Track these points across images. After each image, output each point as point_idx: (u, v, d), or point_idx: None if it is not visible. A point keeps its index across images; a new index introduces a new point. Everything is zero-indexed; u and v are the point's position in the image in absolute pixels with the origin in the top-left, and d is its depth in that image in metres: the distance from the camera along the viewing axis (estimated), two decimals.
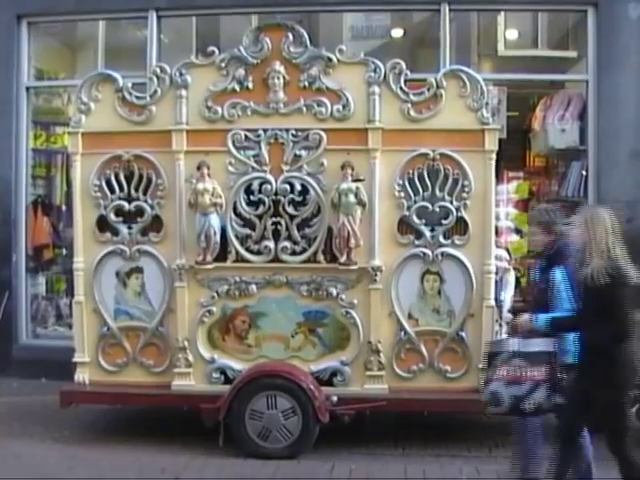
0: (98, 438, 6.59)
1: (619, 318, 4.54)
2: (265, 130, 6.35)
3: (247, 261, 6.39)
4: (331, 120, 6.32)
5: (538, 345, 4.86)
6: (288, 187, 6.31)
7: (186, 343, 6.41)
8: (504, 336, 5.06)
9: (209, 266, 6.31)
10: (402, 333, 6.34)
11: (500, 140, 6.42)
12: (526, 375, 4.84)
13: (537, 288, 5.14)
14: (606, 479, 4.90)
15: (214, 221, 6.23)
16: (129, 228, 6.50)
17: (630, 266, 4.62)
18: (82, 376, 6.54)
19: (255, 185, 6.35)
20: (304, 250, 6.35)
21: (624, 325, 4.57)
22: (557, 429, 4.88)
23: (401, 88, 6.30)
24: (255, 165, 6.35)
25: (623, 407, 4.64)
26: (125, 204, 6.49)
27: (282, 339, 6.40)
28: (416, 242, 6.32)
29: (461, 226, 6.31)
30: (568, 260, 4.86)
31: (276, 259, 6.35)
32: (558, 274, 4.91)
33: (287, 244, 6.34)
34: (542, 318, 4.85)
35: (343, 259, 6.21)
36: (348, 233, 6.13)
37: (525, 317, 5.04)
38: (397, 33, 9.59)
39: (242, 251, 6.38)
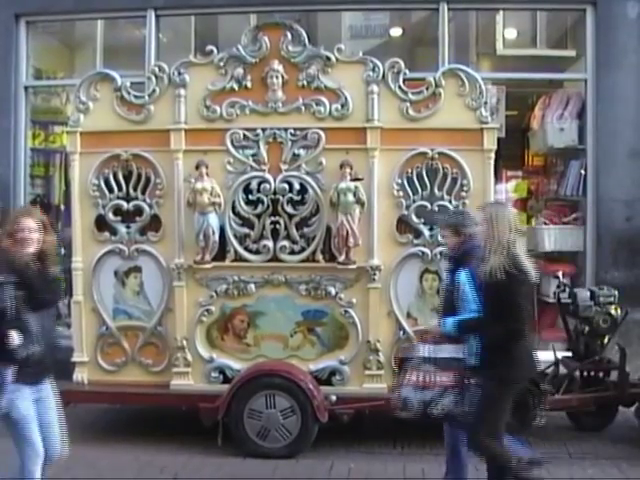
0: (97, 437, 6.58)
1: (515, 315, 4.57)
2: (264, 129, 6.34)
3: (246, 260, 6.38)
4: (330, 119, 6.32)
5: (448, 351, 4.90)
6: (287, 186, 6.31)
7: (185, 342, 6.41)
8: (415, 342, 5.11)
9: (208, 265, 6.31)
10: (401, 332, 6.33)
11: (499, 139, 6.42)
12: (435, 381, 4.90)
13: (445, 291, 5.12)
14: (606, 478, 4.95)
15: (213, 220, 6.22)
16: (128, 227, 6.50)
17: (530, 264, 4.65)
18: (81, 376, 6.54)
19: (254, 184, 6.34)
20: (303, 249, 6.35)
21: (520, 322, 4.60)
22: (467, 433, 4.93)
23: (400, 87, 6.30)
24: (254, 164, 6.35)
25: (503, 401, 4.67)
26: (124, 203, 6.49)
27: (281, 338, 6.40)
28: (415, 241, 6.32)
29: None
30: (473, 261, 4.84)
31: (275, 258, 6.35)
32: (463, 276, 4.87)
33: (286, 243, 6.34)
34: (449, 322, 4.86)
35: (342, 258, 6.21)
36: (347, 232, 6.13)
37: (433, 322, 5.11)
38: (396, 32, 9.58)
39: (241, 250, 6.38)
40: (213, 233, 6.23)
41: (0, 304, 4.23)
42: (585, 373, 6.82)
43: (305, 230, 6.34)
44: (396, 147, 6.24)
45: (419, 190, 6.30)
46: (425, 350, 4.97)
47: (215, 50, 6.46)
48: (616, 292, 6.77)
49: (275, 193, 6.32)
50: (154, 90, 6.46)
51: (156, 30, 8.85)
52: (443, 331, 4.91)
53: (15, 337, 4.27)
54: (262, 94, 6.36)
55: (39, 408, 4.55)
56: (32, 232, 4.51)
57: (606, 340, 6.80)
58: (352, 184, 6.13)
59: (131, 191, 6.50)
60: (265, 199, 6.32)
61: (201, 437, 6.28)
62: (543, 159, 9.86)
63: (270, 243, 6.34)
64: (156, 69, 6.53)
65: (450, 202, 6.25)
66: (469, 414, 4.75)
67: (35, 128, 9.48)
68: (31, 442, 4.47)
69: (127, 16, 9.21)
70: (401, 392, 4.95)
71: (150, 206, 6.45)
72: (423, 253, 6.29)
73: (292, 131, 6.32)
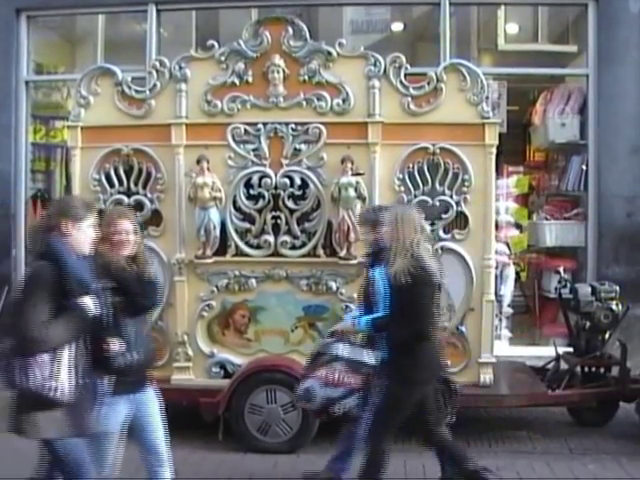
0: None
1: (419, 316, 4.60)
2: (265, 124, 6.33)
3: (247, 255, 6.38)
4: (331, 114, 6.31)
5: (361, 355, 4.91)
6: (288, 181, 6.30)
7: (185, 337, 6.41)
8: (332, 339, 5.14)
9: (209, 260, 6.30)
10: None
11: (500, 134, 6.40)
12: (343, 380, 4.91)
13: (362, 286, 5.10)
14: (606, 474, 4.95)
15: (214, 215, 6.22)
16: None
17: (434, 265, 4.66)
18: None
19: (255, 179, 6.34)
20: (304, 244, 6.35)
21: (424, 323, 4.63)
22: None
23: (401, 82, 6.29)
24: (255, 159, 6.34)
25: (404, 402, 4.72)
26: (125, 198, 6.48)
27: (282, 333, 6.39)
28: None
29: (461, 220, 6.30)
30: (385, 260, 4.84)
31: (276, 253, 6.35)
32: (377, 272, 4.85)
33: (287, 238, 6.34)
34: (364, 320, 4.86)
35: (343, 253, 6.21)
36: (348, 227, 6.13)
37: (348, 321, 5.13)
38: (397, 27, 9.58)
39: (242, 245, 6.37)
40: (214, 228, 6.22)
41: (97, 311, 3.94)
42: (586, 368, 6.82)
43: (306, 225, 6.34)
44: (397, 142, 6.23)
45: (420, 185, 6.29)
46: (340, 349, 4.99)
47: (216, 45, 6.44)
48: (617, 288, 6.77)
49: (276, 188, 6.32)
50: (155, 85, 6.44)
51: (157, 25, 8.85)
52: (358, 329, 4.92)
53: (115, 345, 4.11)
54: (263, 89, 6.35)
55: (140, 416, 4.42)
56: (129, 234, 4.35)
57: (607, 336, 6.80)
58: (353, 179, 6.12)
59: (132, 186, 6.49)
60: (266, 194, 6.32)
61: (202, 432, 6.28)
62: (544, 154, 9.87)
63: (271, 238, 6.34)
64: (157, 64, 6.52)
65: (451, 197, 6.24)
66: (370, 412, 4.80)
67: (36, 123, 9.49)
68: (100, 460, 4.26)
69: (128, 11, 9.22)
70: (306, 383, 4.98)
71: (151, 201, 6.44)
72: None
73: (293, 126, 6.31)
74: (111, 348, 4.09)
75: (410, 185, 6.28)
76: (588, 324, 6.78)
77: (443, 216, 6.29)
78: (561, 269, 7.48)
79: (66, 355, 3.83)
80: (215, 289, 6.40)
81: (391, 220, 4.71)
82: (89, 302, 3.87)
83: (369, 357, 4.88)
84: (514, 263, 9.02)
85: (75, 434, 3.92)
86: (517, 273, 9.16)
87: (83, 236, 4.00)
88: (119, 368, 4.13)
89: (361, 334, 4.99)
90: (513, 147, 9.43)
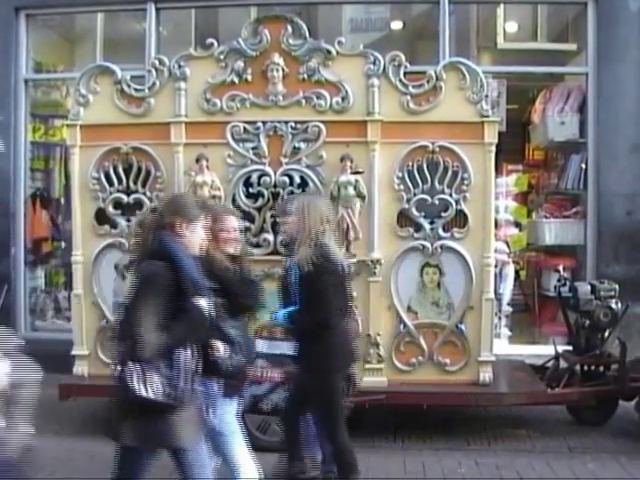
0: (97, 430, 6.51)
1: (323, 305, 4.60)
2: (264, 122, 6.33)
3: None
4: (330, 112, 6.31)
5: (281, 348, 4.91)
6: (287, 180, 6.30)
7: None
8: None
9: None
10: (401, 326, 6.33)
11: (499, 133, 6.40)
12: (266, 376, 4.90)
13: (281, 278, 5.07)
14: (603, 479, 4.96)
15: None
16: (128, 221, 6.49)
17: (340, 253, 4.70)
18: (81, 369, 6.54)
19: (254, 178, 6.33)
20: None
21: (327, 312, 4.62)
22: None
23: (400, 80, 6.28)
24: (254, 157, 6.33)
25: (331, 392, 4.74)
26: (124, 197, 6.48)
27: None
28: (415, 235, 6.31)
29: (461, 219, 6.30)
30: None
31: (275, 252, 6.34)
32: (290, 263, 4.84)
33: None
34: (281, 314, 4.83)
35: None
36: (347, 226, 6.13)
37: (265, 317, 5.15)
38: (396, 25, 9.56)
39: None
40: None
41: (211, 313, 3.81)
42: (585, 367, 6.82)
43: None
44: (397, 140, 6.23)
45: (420, 184, 6.28)
46: (259, 346, 4.98)
47: (215, 43, 6.44)
48: (617, 286, 6.76)
49: (275, 186, 6.31)
50: (154, 83, 6.44)
51: (156, 23, 8.83)
52: (276, 323, 4.91)
53: (220, 348, 4.03)
54: (262, 87, 6.34)
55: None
56: (235, 232, 4.30)
57: (606, 334, 6.80)
58: (352, 177, 6.12)
59: (131, 184, 6.48)
60: (265, 192, 6.31)
61: None
62: (544, 153, 9.86)
63: (270, 236, 6.33)
64: (156, 62, 6.51)
65: (451, 195, 6.24)
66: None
67: (35, 121, 9.46)
68: (233, 461, 4.24)
69: (127, 9, 9.20)
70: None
71: (150, 199, 6.43)
72: (424, 247, 6.28)
73: (292, 124, 6.30)
74: (216, 352, 3.99)
75: (409, 183, 6.28)
76: (587, 322, 6.78)
77: (442, 214, 6.28)
78: (560, 267, 7.48)
79: (182, 359, 3.70)
80: None
81: (297, 210, 4.72)
82: (204, 303, 3.75)
83: (289, 348, 4.88)
84: (513, 262, 9.02)
85: (193, 440, 3.80)
86: (516, 272, 9.16)
87: (196, 237, 3.89)
88: (227, 371, 4.05)
89: (280, 327, 4.97)
90: (512, 145, 9.42)
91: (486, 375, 6.28)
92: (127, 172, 6.48)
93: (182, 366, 3.69)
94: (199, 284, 3.77)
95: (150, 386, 3.60)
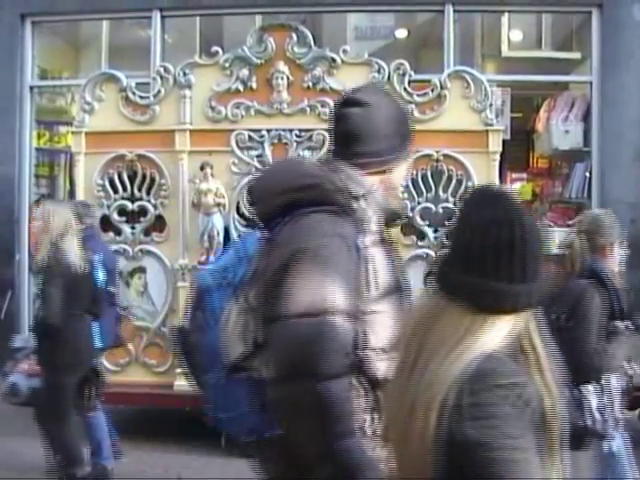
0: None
1: (45, 303, 4.92)
2: (269, 130, 6.34)
3: None
4: None
5: None
6: None
7: None
8: (26, 333, 5.40)
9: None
10: None
11: (504, 141, 6.42)
12: None
13: None
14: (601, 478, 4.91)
15: (217, 221, 6.23)
16: (132, 228, 6.51)
17: (75, 258, 4.93)
18: None
19: None
20: None
21: (48, 310, 4.90)
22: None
23: (405, 89, 6.30)
24: (258, 165, 6.33)
25: (61, 389, 4.96)
26: (128, 204, 6.49)
27: None
28: (419, 243, 6.31)
29: None
30: None
31: None
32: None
33: None
34: None
35: None
36: None
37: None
38: (401, 34, 9.58)
39: None
40: (218, 234, 6.23)
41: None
42: None
43: None
44: None
45: (424, 192, 6.29)
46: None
47: (220, 51, 6.47)
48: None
49: None
50: (159, 91, 6.46)
51: (161, 31, 8.85)
52: None
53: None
54: (267, 95, 6.36)
55: None
56: None
57: None
58: None
59: (136, 191, 6.50)
60: None
61: (205, 438, 6.26)
62: (548, 161, 9.83)
63: None
64: (161, 70, 6.54)
65: (455, 204, 6.24)
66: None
67: (40, 128, 9.48)
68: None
69: (132, 17, 9.22)
70: (10, 379, 5.29)
71: (155, 207, 6.45)
72: (427, 255, 6.27)
73: (297, 132, 6.32)
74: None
75: (413, 192, 6.28)
76: None
77: (446, 223, 6.28)
78: None
79: (614, 383, 3.64)
80: None
81: (42, 214, 5.12)
82: (622, 326, 3.71)
83: None
84: None
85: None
86: None
87: (617, 257, 4.00)
88: None
89: None
90: (516, 154, 9.42)
91: None
92: (132, 179, 6.50)
93: (614, 392, 3.64)
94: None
95: (586, 413, 3.55)
